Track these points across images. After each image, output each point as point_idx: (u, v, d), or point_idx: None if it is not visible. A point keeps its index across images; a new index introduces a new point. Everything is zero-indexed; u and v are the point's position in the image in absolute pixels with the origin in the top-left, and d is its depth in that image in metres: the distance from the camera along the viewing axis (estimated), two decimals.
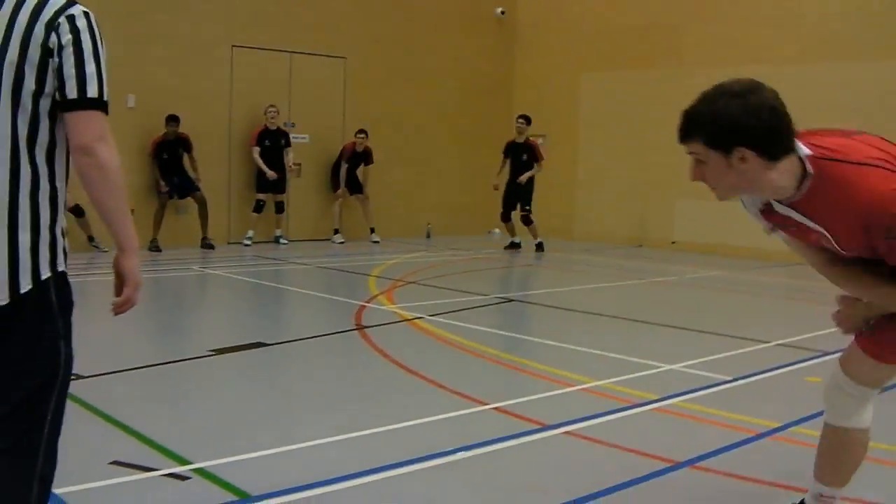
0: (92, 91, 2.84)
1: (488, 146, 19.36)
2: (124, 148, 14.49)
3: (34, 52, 2.79)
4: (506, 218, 16.92)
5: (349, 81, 17.59)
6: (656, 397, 6.41)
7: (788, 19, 16.21)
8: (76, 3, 2.91)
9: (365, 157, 16.98)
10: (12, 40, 2.79)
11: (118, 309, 3.12)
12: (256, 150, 15.78)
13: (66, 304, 3.01)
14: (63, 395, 3.05)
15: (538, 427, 5.59)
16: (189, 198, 15.06)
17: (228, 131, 16.04)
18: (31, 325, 2.89)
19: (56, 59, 2.81)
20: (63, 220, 2.94)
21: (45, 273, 2.86)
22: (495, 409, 5.98)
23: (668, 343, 8.60)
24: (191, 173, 15.07)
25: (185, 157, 15.01)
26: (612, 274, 13.91)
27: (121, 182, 2.89)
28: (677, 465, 4.98)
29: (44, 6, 2.83)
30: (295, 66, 16.81)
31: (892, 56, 14.85)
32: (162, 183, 14.75)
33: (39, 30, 2.80)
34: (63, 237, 2.94)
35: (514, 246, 16.83)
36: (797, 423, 5.86)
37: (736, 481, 4.81)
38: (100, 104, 2.85)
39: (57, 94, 2.82)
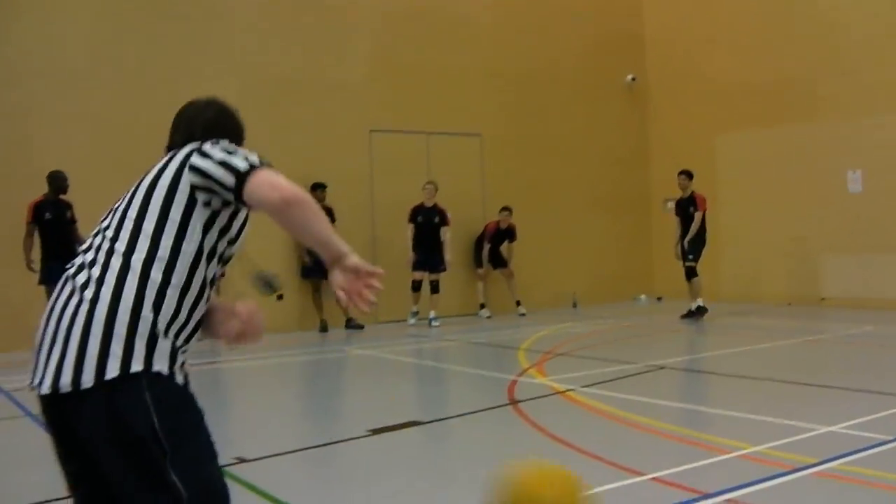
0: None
1: (628, 212, 19.48)
2: (274, 237, 14.97)
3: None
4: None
5: (486, 157, 17.88)
6: (816, 461, 6.33)
7: None
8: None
9: (509, 234, 17.21)
10: None
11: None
12: (410, 227, 15.97)
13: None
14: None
15: (698, 495, 5.59)
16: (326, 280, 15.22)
17: (371, 211, 16.43)
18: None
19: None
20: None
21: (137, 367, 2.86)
22: (653, 479, 6.00)
23: (825, 404, 8.46)
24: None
25: None
26: (762, 335, 13.71)
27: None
28: None
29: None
30: (432, 146, 17.18)
31: None
32: (307, 259, 15.04)
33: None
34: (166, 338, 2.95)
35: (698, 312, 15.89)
36: None
37: None
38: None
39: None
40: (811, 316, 15.82)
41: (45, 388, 2.89)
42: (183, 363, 3.02)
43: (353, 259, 3.09)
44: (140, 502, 2.88)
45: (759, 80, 18.16)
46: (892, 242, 16.09)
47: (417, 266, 15.84)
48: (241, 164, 3.00)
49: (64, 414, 2.93)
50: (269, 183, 2.95)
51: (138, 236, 2.99)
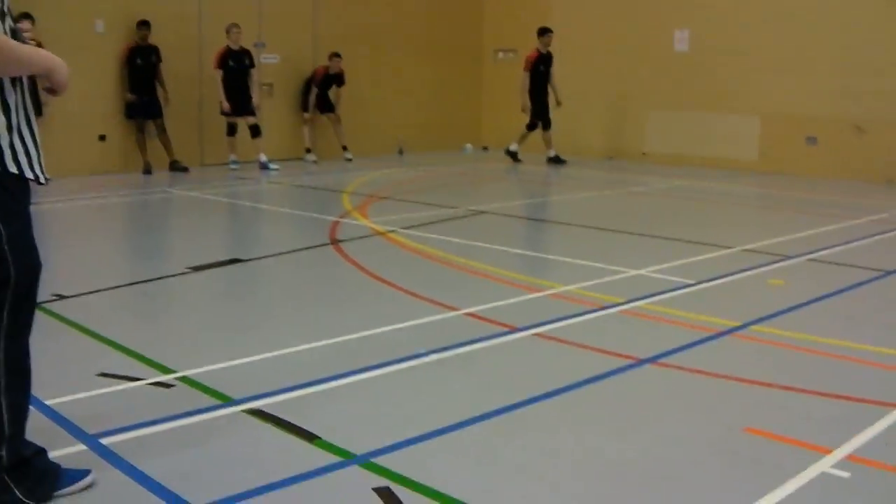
0: None
1: (458, 61, 19.49)
2: (94, 73, 14.51)
3: None
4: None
5: (317, 1, 17.53)
6: (622, 300, 6.64)
7: None
8: None
9: (337, 78, 16.97)
10: None
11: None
12: (219, 73, 15.53)
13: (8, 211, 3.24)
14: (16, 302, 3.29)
15: (508, 329, 5.82)
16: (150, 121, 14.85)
17: (199, 52, 15.98)
18: None
19: None
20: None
21: None
22: (466, 314, 6.20)
23: (637, 250, 8.82)
24: (159, 92, 14.94)
25: (156, 71, 14.82)
26: (585, 185, 14.09)
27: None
28: (640, 362, 5.23)
29: None
30: None
31: None
32: (130, 96, 14.65)
33: None
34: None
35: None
36: (756, 322, 6.12)
37: (694, 375, 5.05)
38: None
39: None
40: (630, 170, 16.29)
41: None
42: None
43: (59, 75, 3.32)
44: None
45: None
46: (711, 101, 16.63)
47: (231, 112, 15.48)
48: None
49: None
50: None
51: None
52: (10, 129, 3.19)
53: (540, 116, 16.92)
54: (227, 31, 15.36)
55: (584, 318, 6.19)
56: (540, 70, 16.93)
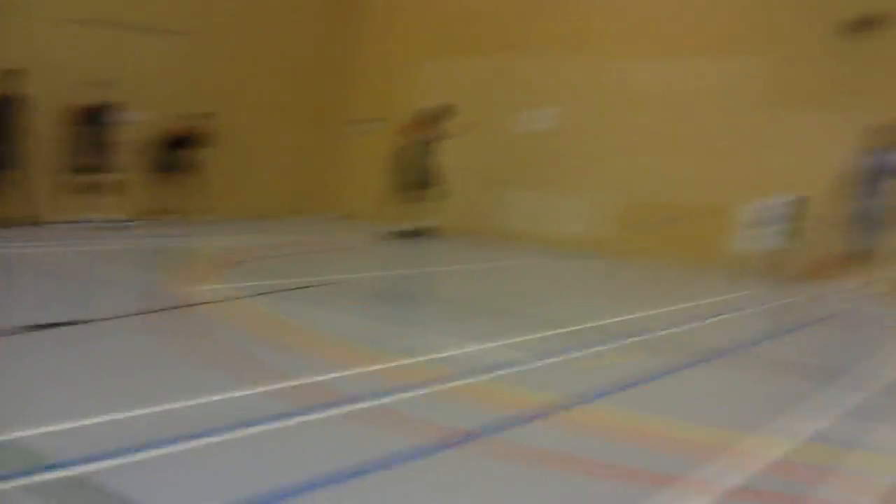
0: None
1: (327, 128, 19.64)
2: None
3: None
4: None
5: (191, 58, 17.42)
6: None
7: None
8: None
9: (195, 139, 16.80)
10: None
11: None
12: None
13: None
14: None
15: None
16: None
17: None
18: None
19: None
20: None
21: None
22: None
23: (480, 326, 8.91)
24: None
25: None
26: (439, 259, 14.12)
27: None
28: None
29: None
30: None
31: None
32: None
33: None
34: None
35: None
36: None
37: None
38: None
39: None
40: (488, 246, 16.52)
41: None
42: None
43: None
44: None
45: (470, 10, 18.59)
46: (560, 181, 17.16)
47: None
48: None
49: None
50: None
51: None
52: None
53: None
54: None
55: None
56: None
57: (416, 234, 16.61)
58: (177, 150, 16.78)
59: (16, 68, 14.31)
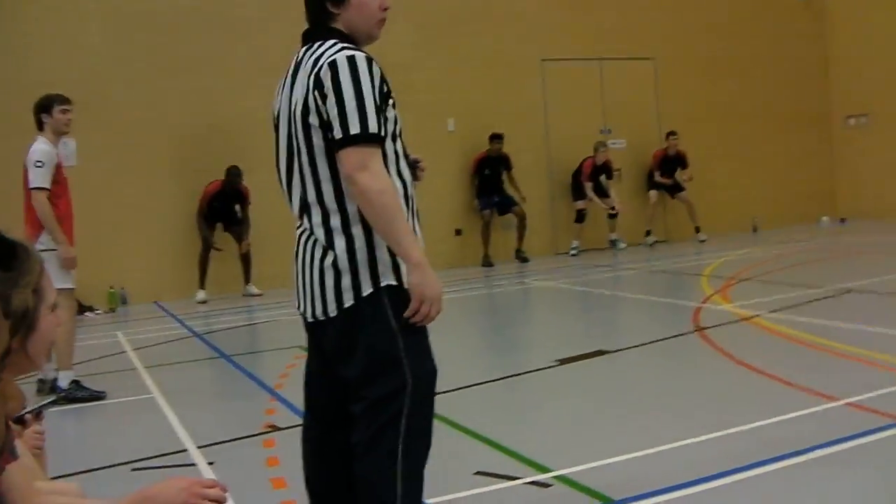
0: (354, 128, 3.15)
1: (807, 131, 18.82)
2: (446, 170, 15.15)
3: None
4: None
5: (660, 81, 17.51)
6: None
7: None
8: (344, 49, 3.24)
9: (679, 159, 16.84)
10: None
11: (412, 318, 3.28)
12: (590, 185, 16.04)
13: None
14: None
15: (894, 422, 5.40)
16: (510, 214, 15.43)
17: (547, 145, 16.36)
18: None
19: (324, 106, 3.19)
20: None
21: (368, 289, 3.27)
22: (848, 404, 5.82)
23: None
24: (510, 191, 15.47)
25: (505, 175, 15.43)
26: None
27: (386, 204, 3.13)
28: None
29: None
30: (605, 73, 16.93)
31: None
32: (477, 202, 15.34)
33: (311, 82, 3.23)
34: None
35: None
36: None
37: None
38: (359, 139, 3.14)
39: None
40: None
41: None
42: None
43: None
44: None
45: None
46: None
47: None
48: None
49: None
50: None
51: None
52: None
53: None
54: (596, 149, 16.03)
55: None
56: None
57: None
58: (668, 172, 16.80)
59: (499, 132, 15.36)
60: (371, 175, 3.11)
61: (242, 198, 13.62)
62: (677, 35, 17.62)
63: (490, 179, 15.37)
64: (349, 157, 3.13)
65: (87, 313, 12.78)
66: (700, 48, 17.86)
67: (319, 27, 3.37)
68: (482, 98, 15.52)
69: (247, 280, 13.83)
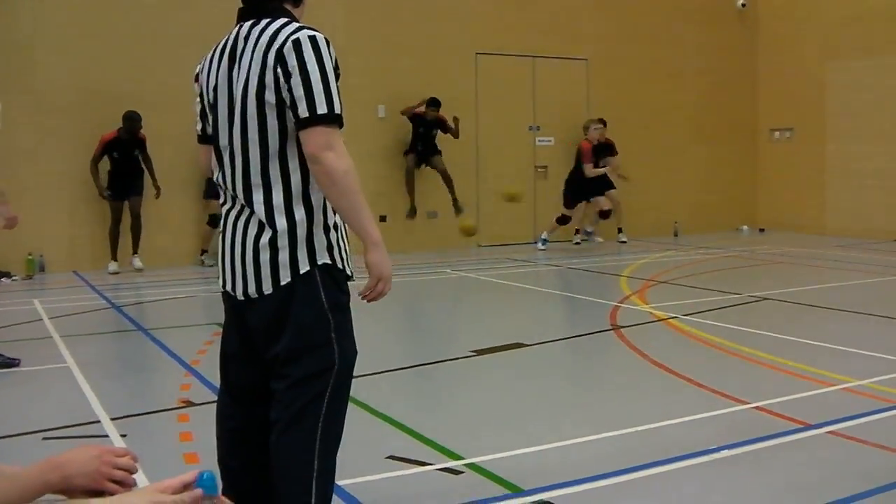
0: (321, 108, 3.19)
1: (733, 141, 19.14)
2: (375, 156, 15.16)
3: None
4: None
5: (592, 82, 17.68)
6: None
7: None
8: (303, 28, 3.28)
9: (608, 147, 16.69)
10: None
11: (365, 296, 3.43)
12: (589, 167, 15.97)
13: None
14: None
15: (801, 426, 5.57)
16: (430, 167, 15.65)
17: (476, 138, 16.42)
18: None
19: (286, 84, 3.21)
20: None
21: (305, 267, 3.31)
22: (756, 408, 5.98)
23: None
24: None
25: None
26: (871, 270, 13.38)
27: (350, 185, 3.19)
28: None
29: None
30: (538, 70, 17.06)
31: None
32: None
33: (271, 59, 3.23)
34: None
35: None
36: None
37: None
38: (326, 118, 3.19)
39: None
40: None
41: None
42: None
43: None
44: None
45: (874, 7, 17.49)
46: None
47: None
48: None
49: None
50: None
51: None
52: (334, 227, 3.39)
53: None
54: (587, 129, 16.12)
55: (882, 415, 5.84)
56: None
57: None
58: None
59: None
60: (336, 155, 3.16)
61: (141, 144, 13.31)
62: (611, 38, 17.79)
63: (423, 136, 15.37)
64: (315, 137, 3.16)
65: (3, 279, 12.63)
66: (633, 52, 18.05)
67: (265, 3, 3.36)
68: (415, 86, 15.51)
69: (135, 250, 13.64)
